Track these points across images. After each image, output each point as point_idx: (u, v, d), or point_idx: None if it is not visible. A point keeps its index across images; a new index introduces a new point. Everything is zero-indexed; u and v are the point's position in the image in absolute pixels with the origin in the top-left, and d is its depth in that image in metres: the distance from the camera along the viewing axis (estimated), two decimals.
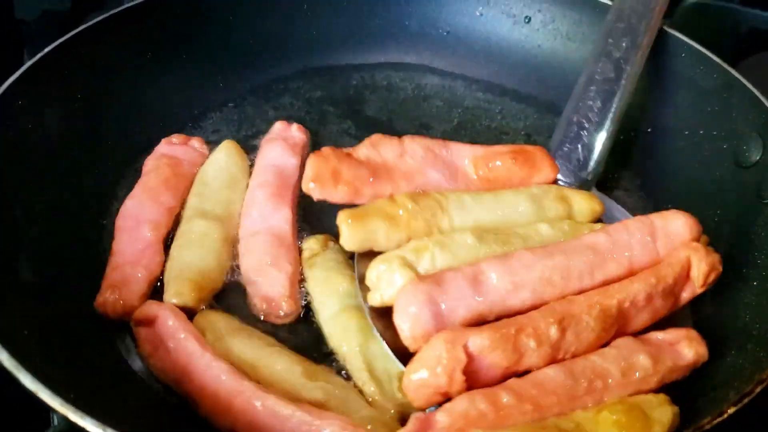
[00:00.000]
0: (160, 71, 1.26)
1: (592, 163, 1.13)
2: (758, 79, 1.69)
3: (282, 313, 0.98)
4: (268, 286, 1.00)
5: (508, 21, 1.41)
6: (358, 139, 1.26)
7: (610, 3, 1.30)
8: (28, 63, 1.09)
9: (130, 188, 1.11)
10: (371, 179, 1.01)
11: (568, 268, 0.87)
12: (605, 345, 0.86)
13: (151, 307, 0.94)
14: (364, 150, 1.05)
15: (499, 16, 1.41)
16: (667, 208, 1.14)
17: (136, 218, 1.06)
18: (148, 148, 1.18)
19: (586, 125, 1.13)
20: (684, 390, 0.87)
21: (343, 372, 0.93)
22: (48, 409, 0.72)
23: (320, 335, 0.97)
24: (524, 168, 1.07)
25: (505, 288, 0.85)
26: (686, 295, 0.92)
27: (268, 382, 0.88)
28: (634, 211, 1.15)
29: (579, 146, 1.13)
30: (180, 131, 1.23)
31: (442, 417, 0.76)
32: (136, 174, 1.14)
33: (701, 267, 0.90)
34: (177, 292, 0.97)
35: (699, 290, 0.92)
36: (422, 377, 0.78)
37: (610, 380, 0.80)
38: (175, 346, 0.89)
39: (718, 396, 0.78)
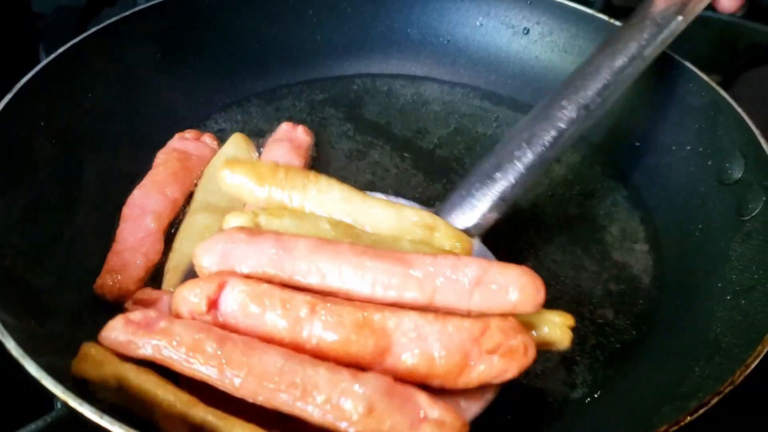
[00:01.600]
0: (169, 72, 1.31)
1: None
2: (758, 92, 1.73)
3: None
4: None
5: (507, 32, 1.44)
6: (357, 141, 1.32)
7: (605, 18, 1.35)
8: (44, 62, 1.14)
9: (137, 183, 1.16)
10: None
11: (370, 273, 0.84)
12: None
13: (152, 292, 1.00)
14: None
15: (499, 27, 1.45)
16: (653, 221, 1.20)
17: (142, 208, 1.11)
18: (156, 145, 1.23)
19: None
20: (651, 399, 0.92)
21: None
22: (52, 395, 0.76)
23: None
24: None
25: (302, 268, 0.85)
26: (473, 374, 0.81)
27: None
28: (622, 222, 1.21)
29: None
30: (186, 129, 1.28)
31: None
32: (144, 171, 1.19)
33: (497, 338, 0.80)
34: (174, 282, 1.02)
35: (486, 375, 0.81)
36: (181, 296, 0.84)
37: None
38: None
39: (681, 406, 0.82)
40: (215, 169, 1.19)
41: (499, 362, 0.80)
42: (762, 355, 0.84)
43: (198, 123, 1.33)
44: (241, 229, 0.90)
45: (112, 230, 1.10)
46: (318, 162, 1.27)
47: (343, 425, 0.75)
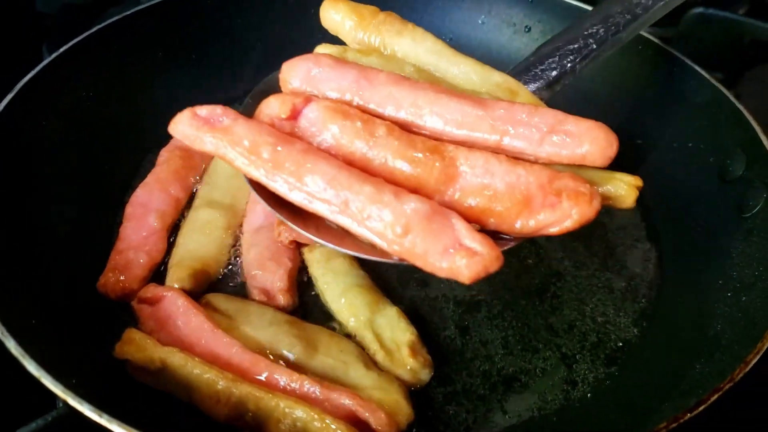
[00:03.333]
0: (170, 70, 1.31)
1: (564, 81, 1.06)
2: (760, 88, 1.73)
3: (279, 306, 1.03)
4: (267, 279, 1.05)
5: (508, 30, 1.44)
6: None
7: None
8: (45, 60, 1.15)
9: (140, 181, 1.17)
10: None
11: (445, 110, 0.85)
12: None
13: (158, 289, 1.01)
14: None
15: (500, 25, 1.45)
16: (654, 219, 1.20)
17: (145, 206, 1.12)
18: (159, 143, 1.24)
19: (570, 57, 1.06)
20: (652, 395, 0.92)
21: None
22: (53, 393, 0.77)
23: (326, 312, 1.04)
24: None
25: (380, 97, 0.87)
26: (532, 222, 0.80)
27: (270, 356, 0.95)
28: (624, 220, 1.20)
29: (555, 71, 1.06)
30: None
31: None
32: (147, 169, 1.20)
33: (566, 181, 0.79)
34: (178, 277, 1.04)
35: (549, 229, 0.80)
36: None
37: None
38: (184, 323, 0.96)
39: (682, 403, 0.82)
40: (218, 165, 1.21)
41: (562, 206, 0.78)
42: (762, 352, 0.84)
43: None
44: (329, 56, 0.92)
45: (114, 228, 1.11)
46: None
47: (378, 241, 0.78)
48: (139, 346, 0.90)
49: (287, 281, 1.05)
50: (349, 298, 1.02)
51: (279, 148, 0.81)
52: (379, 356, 0.96)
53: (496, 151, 0.83)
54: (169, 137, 1.23)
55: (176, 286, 1.02)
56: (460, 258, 0.74)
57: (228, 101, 1.35)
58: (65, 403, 0.75)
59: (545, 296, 1.08)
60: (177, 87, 1.31)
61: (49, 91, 1.14)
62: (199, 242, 1.09)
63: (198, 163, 1.21)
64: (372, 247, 0.81)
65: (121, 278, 1.02)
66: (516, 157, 0.83)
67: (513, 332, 1.04)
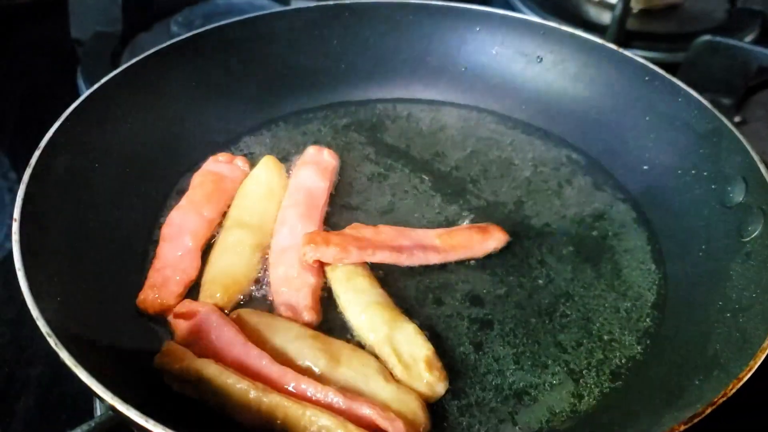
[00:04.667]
0: (202, 99, 1.39)
1: None
2: (766, 113, 1.78)
3: (304, 321, 1.10)
4: (293, 295, 1.12)
5: (521, 60, 1.51)
6: (378, 164, 1.40)
7: (615, 48, 1.42)
8: (86, 92, 1.23)
9: (175, 203, 1.26)
10: (356, 242, 1.16)
11: None
12: None
13: (193, 304, 1.08)
14: (348, 230, 1.20)
15: (514, 55, 1.52)
16: (659, 242, 1.26)
17: (180, 227, 1.20)
18: (190, 169, 1.32)
19: None
20: (653, 410, 0.98)
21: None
22: (90, 402, 0.84)
23: (348, 327, 1.11)
24: (480, 236, 1.22)
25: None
26: None
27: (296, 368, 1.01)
28: (630, 242, 1.26)
29: None
30: (218, 152, 1.36)
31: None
32: (180, 193, 1.28)
33: None
34: (210, 294, 1.11)
35: None
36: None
37: None
38: (217, 337, 1.03)
39: (678, 416, 0.87)
40: (247, 188, 1.29)
41: None
42: (754, 369, 0.90)
43: (230, 146, 1.41)
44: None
45: (150, 248, 1.19)
46: (341, 184, 1.35)
47: None
48: (176, 357, 0.98)
49: (311, 298, 1.12)
50: (369, 315, 1.08)
51: None
52: (398, 370, 1.03)
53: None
54: (201, 161, 1.32)
55: (209, 301, 1.10)
56: None
57: (256, 128, 1.45)
58: (112, 408, 0.82)
59: (554, 315, 1.14)
60: (209, 114, 1.40)
61: (89, 120, 1.22)
62: (230, 260, 1.16)
63: (229, 186, 1.29)
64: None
65: (159, 295, 1.10)
66: None
67: (524, 348, 1.10)
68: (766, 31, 1.91)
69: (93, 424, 0.90)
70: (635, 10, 1.94)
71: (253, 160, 1.36)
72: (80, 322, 0.97)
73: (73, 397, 1.18)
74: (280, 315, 1.11)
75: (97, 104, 1.24)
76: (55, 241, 1.07)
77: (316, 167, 1.32)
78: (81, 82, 1.70)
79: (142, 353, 1.01)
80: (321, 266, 1.17)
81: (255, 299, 1.15)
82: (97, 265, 1.10)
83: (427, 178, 1.38)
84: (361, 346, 1.08)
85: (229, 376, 0.95)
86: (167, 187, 1.30)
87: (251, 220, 1.23)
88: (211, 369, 0.96)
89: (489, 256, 1.22)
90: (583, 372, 1.07)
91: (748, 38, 1.86)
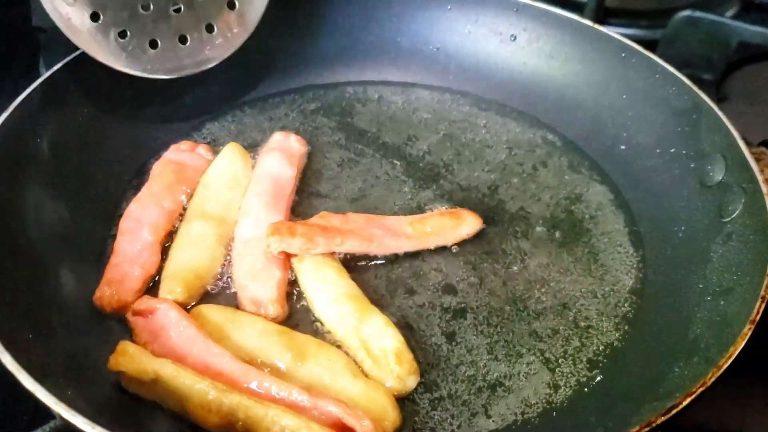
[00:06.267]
0: (162, 83, 1.33)
1: None
2: (747, 90, 1.75)
3: (270, 316, 1.06)
4: (258, 289, 1.08)
5: (495, 39, 1.46)
6: (348, 149, 1.35)
7: (590, 24, 1.38)
8: (44, 75, 1.19)
9: (133, 194, 1.20)
10: (323, 232, 1.11)
11: None
12: None
13: (151, 301, 1.03)
14: (315, 219, 1.16)
15: (487, 34, 1.47)
16: (637, 224, 1.22)
17: (138, 220, 1.15)
18: (149, 158, 1.27)
19: None
20: (633, 398, 0.94)
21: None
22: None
23: (315, 321, 1.07)
24: (453, 221, 1.18)
25: None
26: None
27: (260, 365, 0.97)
28: (608, 225, 1.23)
29: None
30: (180, 140, 1.31)
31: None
32: (139, 184, 1.23)
33: None
34: (170, 289, 1.06)
35: None
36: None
37: None
38: (177, 334, 0.98)
39: (658, 406, 0.84)
40: (210, 177, 1.24)
41: None
42: (734, 357, 0.86)
43: (191, 132, 1.36)
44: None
45: (106, 242, 1.14)
46: (310, 171, 1.30)
47: None
48: (132, 357, 0.93)
49: (277, 291, 1.07)
50: (337, 307, 1.04)
51: None
52: (367, 364, 0.99)
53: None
54: (160, 149, 1.27)
55: (169, 297, 1.05)
56: None
57: (219, 114, 1.39)
58: (59, 415, 0.78)
59: (529, 302, 1.10)
60: (169, 98, 1.34)
61: (46, 104, 1.17)
62: (192, 254, 1.11)
63: (191, 176, 1.24)
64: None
65: (116, 291, 1.04)
66: None
67: (498, 338, 1.06)
68: (747, 5, 1.86)
69: (48, 429, 0.85)
70: None
71: (216, 148, 1.31)
72: (30, 324, 0.93)
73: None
74: (244, 310, 1.06)
75: (55, 88, 1.19)
76: (1, 234, 1.01)
77: (282, 154, 1.26)
78: (43, 71, 1.64)
79: (98, 355, 0.96)
80: (287, 258, 1.12)
81: (218, 293, 1.10)
82: (46, 261, 1.05)
83: (398, 164, 1.33)
84: (329, 340, 1.04)
85: (187, 377, 0.90)
86: (126, 177, 1.25)
87: (214, 211, 1.18)
88: (167, 369, 0.91)
89: (463, 243, 1.18)
90: (559, 361, 1.04)
91: (729, 13, 1.81)
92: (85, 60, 1.23)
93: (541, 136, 1.39)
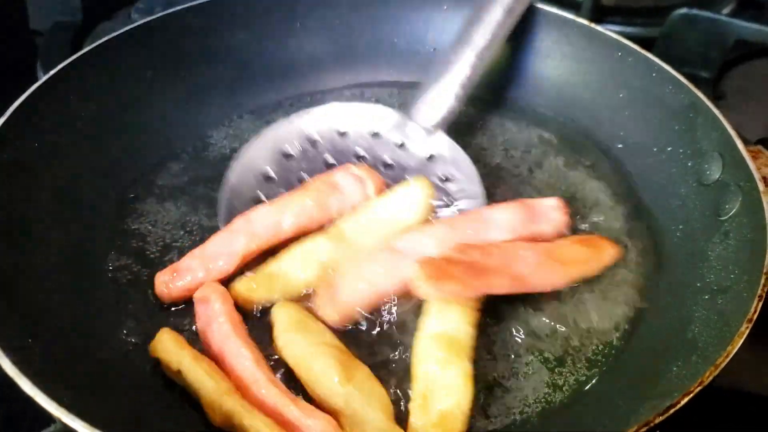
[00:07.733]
0: (161, 89, 1.34)
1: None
2: (744, 88, 1.75)
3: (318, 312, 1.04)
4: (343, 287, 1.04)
5: None
6: None
7: (586, 23, 1.38)
8: (40, 80, 1.18)
9: (141, 203, 1.21)
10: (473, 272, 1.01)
11: None
12: None
13: (206, 289, 1.03)
14: (454, 253, 1.03)
15: None
16: (635, 223, 1.22)
17: (249, 222, 1.11)
18: (149, 162, 1.28)
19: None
20: (631, 398, 0.94)
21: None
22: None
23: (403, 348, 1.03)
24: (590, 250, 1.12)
25: None
26: None
27: (302, 380, 0.96)
28: (606, 224, 1.22)
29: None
30: (176, 148, 1.32)
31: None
32: (147, 190, 1.24)
33: None
34: (248, 286, 1.06)
35: None
36: None
37: None
38: (217, 327, 0.99)
39: (656, 405, 0.84)
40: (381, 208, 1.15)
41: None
42: (731, 355, 0.86)
43: (192, 140, 1.35)
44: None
45: (110, 251, 1.14)
46: None
47: None
48: (164, 346, 0.96)
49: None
50: (428, 344, 0.99)
51: None
52: (414, 413, 0.93)
53: None
54: (163, 157, 1.27)
55: (243, 290, 1.05)
56: None
57: (219, 121, 1.38)
58: (59, 420, 0.78)
59: (528, 301, 1.10)
60: (168, 105, 1.34)
61: (43, 110, 1.17)
62: (293, 265, 1.08)
63: (336, 204, 1.16)
64: None
65: (175, 280, 1.06)
66: None
67: (496, 338, 1.06)
68: (744, 3, 1.87)
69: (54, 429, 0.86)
70: None
71: (218, 154, 1.31)
72: (27, 328, 0.93)
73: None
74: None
75: (51, 93, 1.19)
76: (6, 239, 1.02)
77: None
78: (41, 75, 1.64)
79: (99, 359, 0.97)
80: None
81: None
82: (48, 264, 1.05)
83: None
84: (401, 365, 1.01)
85: (200, 372, 0.91)
86: (127, 181, 1.25)
87: (350, 235, 1.11)
88: (185, 361, 0.93)
89: None
90: (558, 360, 1.04)
91: (725, 11, 1.82)
92: (83, 64, 1.24)
93: (537, 134, 1.39)
